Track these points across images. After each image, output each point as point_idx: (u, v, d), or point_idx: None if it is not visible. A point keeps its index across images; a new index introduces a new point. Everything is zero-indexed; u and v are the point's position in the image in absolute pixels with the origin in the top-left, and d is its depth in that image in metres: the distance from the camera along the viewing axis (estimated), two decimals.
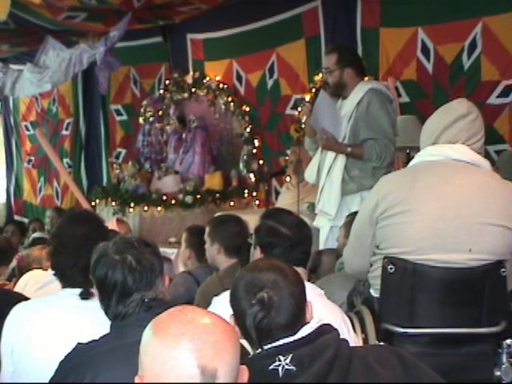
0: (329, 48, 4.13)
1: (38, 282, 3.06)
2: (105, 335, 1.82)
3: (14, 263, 4.12)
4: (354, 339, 2.30)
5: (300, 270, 2.40)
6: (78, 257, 2.20)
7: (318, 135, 4.03)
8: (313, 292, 2.27)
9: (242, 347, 1.70)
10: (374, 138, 3.94)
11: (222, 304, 1.89)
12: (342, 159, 4.02)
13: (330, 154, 4.08)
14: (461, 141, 2.50)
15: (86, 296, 2.17)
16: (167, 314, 1.31)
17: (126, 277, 1.83)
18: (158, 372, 1.23)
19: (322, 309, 1.99)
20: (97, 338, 1.80)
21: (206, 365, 1.22)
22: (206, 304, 3.31)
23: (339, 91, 4.09)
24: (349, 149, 3.95)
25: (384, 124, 3.97)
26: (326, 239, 4.05)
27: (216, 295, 2.39)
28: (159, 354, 1.23)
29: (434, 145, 2.55)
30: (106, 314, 1.88)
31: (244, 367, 1.33)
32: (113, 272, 1.83)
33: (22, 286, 3.38)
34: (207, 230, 3.59)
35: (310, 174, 4.29)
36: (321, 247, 4.07)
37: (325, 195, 4.07)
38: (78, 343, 1.80)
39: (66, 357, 1.78)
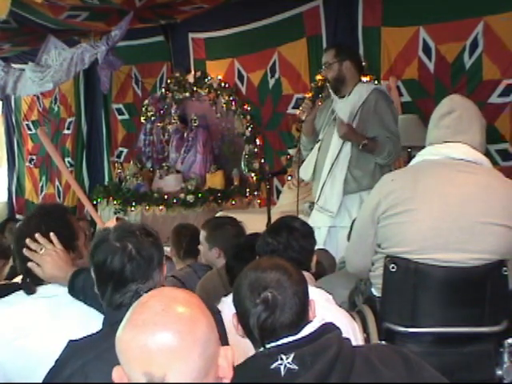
0: (327, 46, 4.11)
1: None
2: (100, 331, 1.78)
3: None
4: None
5: (305, 274, 2.39)
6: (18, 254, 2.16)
7: (338, 126, 4.01)
8: (320, 297, 2.27)
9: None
10: (384, 135, 3.96)
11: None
12: (344, 158, 4.02)
13: (331, 153, 4.08)
14: (450, 138, 2.51)
15: (28, 291, 2.13)
16: (130, 311, 1.27)
17: (125, 265, 1.78)
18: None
19: (329, 315, 1.97)
20: (92, 334, 1.77)
21: (153, 373, 1.19)
22: (206, 297, 3.36)
23: (339, 86, 4.08)
24: (365, 140, 3.94)
25: (392, 123, 4.02)
26: (324, 240, 4.01)
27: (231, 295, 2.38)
28: (119, 357, 1.24)
29: (432, 144, 2.57)
30: (101, 299, 1.85)
31: (227, 347, 1.29)
32: (111, 259, 1.79)
33: None
34: (204, 234, 3.62)
35: (305, 172, 4.28)
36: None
37: (327, 193, 4.06)
38: (70, 340, 1.74)
39: (64, 356, 1.71)
